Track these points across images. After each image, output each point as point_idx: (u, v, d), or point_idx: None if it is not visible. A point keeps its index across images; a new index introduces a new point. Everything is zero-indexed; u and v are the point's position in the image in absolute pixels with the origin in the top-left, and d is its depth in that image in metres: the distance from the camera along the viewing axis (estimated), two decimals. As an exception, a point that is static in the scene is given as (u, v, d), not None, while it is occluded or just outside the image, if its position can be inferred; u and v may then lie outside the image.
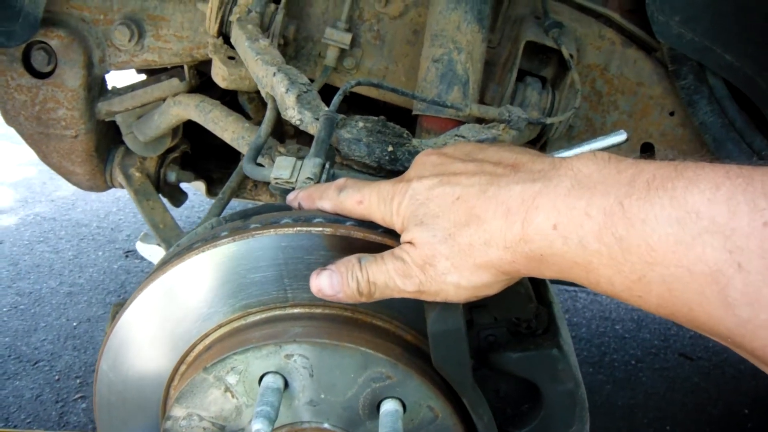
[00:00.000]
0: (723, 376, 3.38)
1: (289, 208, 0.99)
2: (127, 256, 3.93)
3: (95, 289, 3.62)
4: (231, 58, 1.56)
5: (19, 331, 3.25)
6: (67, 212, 4.42)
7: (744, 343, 0.61)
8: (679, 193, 0.63)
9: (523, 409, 0.97)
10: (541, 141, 1.67)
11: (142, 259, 3.81)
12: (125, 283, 3.67)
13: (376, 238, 0.88)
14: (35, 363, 3.05)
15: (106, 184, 2.10)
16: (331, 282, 0.85)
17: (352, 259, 0.85)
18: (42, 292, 3.56)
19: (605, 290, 0.71)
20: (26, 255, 3.91)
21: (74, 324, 3.33)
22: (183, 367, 1.00)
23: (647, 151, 1.86)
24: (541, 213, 0.72)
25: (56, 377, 2.97)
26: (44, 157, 1.99)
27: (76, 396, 2.85)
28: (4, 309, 3.40)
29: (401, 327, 0.94)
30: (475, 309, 0.91)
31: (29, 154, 2.04)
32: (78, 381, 2.94)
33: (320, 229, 0.89)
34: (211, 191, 2.36)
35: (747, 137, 1.72)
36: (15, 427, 2.66)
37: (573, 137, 1.81)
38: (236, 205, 2.88)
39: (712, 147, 1.75)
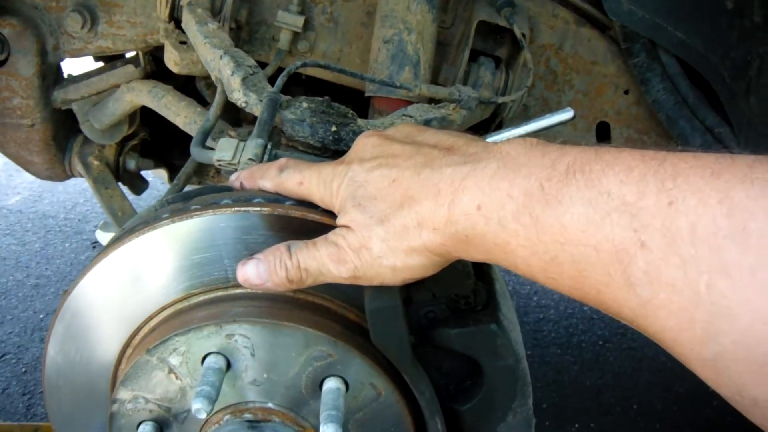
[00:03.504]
0: (689, 355, 3.41)
1: (232, 189, 0.99)
2: (94, 247, 3.91)
3: (62, 280, 3.60)
4: (183, 42, 1.56)
5: (-15, 324, 3.24)
6: (33, 204, 4.38)
7: (646, 325, 0.61)
8: (594, 176, 0.63)
9: (465, 385, 0.98)
10: (496, 121, 1.68)
11: (106, 248, 3.80)
12: (92, 274, 3.65)
13: (315, 217, 0.88)
14: (2, 356, 3.04)
15: (65, 173, 2.09)
16: (258, 271, 0.85)
17: (281, 247, 0.85)
18: (8, 285, 3.54)
19: (524, 272, 0.72)
20: (-8, 248, 3.89)
21: (41, 316, 3.32)
22: (129, 351, 0.99)
23: (603, 131, 1.87)
24: (467, 194, 0.72)
25: (23, 370, 2.96)
26: (1, 147, 1.98)
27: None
28: (-30, 302, 3.39)
29: (343, 305, 0.94)
30: (412, 286, 0.90)
31: (-8, 148, 2.02)
32: (45, 373, 2.93)
33: (258, 209, 0.89)
34: (172, 179, 2.35)
35: (700, 114, 1.73)
36: (-19, 420, 2.66)
37: (529, 117, 1.81)
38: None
39: (665, 124, 1.76)
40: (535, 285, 3.86)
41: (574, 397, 3.04)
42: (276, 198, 0.92)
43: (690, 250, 0.56)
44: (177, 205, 0.96)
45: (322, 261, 0.82)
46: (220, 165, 1.03)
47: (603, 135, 1.87)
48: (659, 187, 0.59)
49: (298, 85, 1.94)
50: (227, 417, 0.94)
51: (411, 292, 0.92)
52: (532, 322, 3.53)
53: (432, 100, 1.42)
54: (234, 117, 1.87)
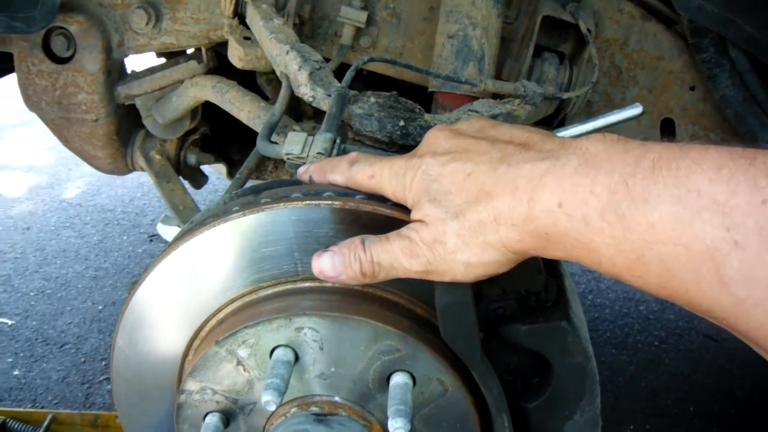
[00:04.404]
0: (749, 358, 3.29)
1: (301, 183, 0.99)
2: (151, 240, 3.97)
3: (120, 273, 3.67)
4: (247, 38, 1.57)
5: (46, 314, 3.31)
6: (92, 198, 4.49)
7: (739, 323, 0.60)
8: (682, 173, 0.62)
9: (533, 382, 0.97)
10: (559, 117, 1.66)
11: (166, 242, 3.86)
12: (150, 267, 3.72)
13: (385, 211, 0.88)
14: (62, 346, 3.10)
15: (127, 168, 2.11)
16: (333, 263, 0.84)
17: (356, 239, 0.84)
18: (68, 277, 3.62)
19: (607, 270, 0.71)
20: (53, 240, 3.97)
21: (99, 307, 3.39)
22: (197, 342, 1.00)
23: (668, 127, 1.84)
24: (547, 191, 0.71)
25: (82, 359, 3.02)
26: (66, 142, 2.00)
27: (102, 378, 2.91)
28: (32, 293, 3.46)
29: (411, 300, 0.94)
30: (484, 282, 0.90)
31: (53, 141, 2.06)
32: (103, 363, 2.99)
33: (329, 202, 0.89)
34: (231, 173, 2.36)
35: (769, 111, 1.69)
36: (42, 407, 2.70)
37: (592, 113, 1.79)
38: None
39: (733, 121, 1.72)
40: (590, 284, 3.81)
41: (629, 397, 3.00)
42: (346, 192, 0.91)
43: None
44: (247, 198, 0.97)
45: (394, 255, 0.81)
46: (288, 158, 1.03)
47: (667, 131, 1.84)
48: (751, 185, 0.58)
49: (359, 80, 1.94)
50: (294, 410, 0.94)
51: (482, 287, 0.91)
52: (588, 321, 3.47)
53: (496, 96, 1.40)
54: (295, 112, 1.87)
